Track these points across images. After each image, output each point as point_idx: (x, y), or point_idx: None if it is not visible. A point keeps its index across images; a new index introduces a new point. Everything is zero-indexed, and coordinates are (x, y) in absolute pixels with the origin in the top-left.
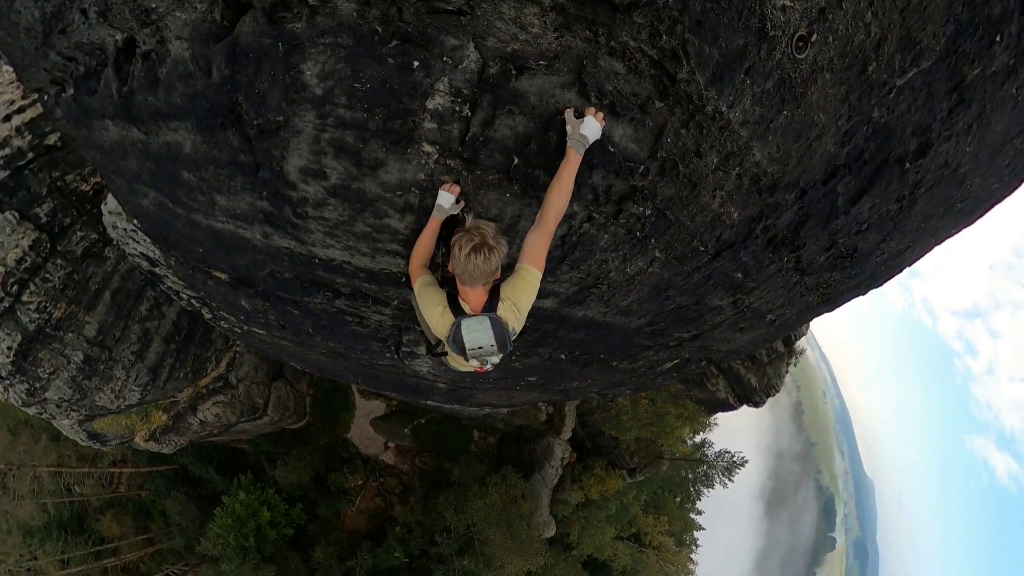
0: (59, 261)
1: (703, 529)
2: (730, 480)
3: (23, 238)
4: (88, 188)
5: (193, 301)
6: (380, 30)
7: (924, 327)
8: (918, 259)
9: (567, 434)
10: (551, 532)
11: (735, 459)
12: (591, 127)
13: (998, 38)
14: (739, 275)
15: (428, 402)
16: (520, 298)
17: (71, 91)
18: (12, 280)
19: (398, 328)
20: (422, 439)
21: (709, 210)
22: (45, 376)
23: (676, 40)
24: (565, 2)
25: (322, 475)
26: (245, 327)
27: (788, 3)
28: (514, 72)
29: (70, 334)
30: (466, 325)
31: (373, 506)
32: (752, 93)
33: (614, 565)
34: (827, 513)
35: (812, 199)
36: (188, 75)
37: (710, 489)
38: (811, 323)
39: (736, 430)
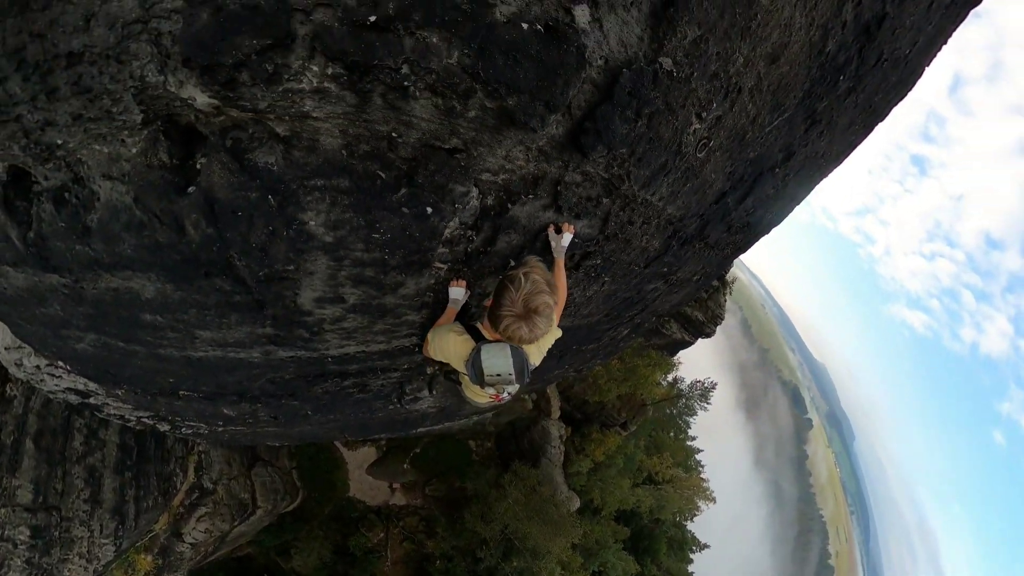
0: None
1: (702, 451)
2: (707, 404)
3: None
4: None
5: (145, 420)
6: (384, 177)
7: (827, 230)
8: (802, 199)
9: (556, 413)
10: (576, 504)
11: (706, 385)
12: (567, 239)
13: (841, 77)
14: (664, 269)
15: (418, 430)
16: (546, 337)
17: None
18: None
19: (402, 382)
20: (424, 467)
21: (639, 248)
22: None
23: (623, 170)
24: (546, 147)
25: (341, 544)
26: (219, 429)
27: (697, 126)
28: (508, 203)
29: (2, 509)
30: (486, 351)
31: (405, 552)
32: (668, 183)
33: (641, 509)
34: (796, 401)
35: (709, 214)
36: (140, 226)
37: (694, 417)
38: None
39: (699, 361)
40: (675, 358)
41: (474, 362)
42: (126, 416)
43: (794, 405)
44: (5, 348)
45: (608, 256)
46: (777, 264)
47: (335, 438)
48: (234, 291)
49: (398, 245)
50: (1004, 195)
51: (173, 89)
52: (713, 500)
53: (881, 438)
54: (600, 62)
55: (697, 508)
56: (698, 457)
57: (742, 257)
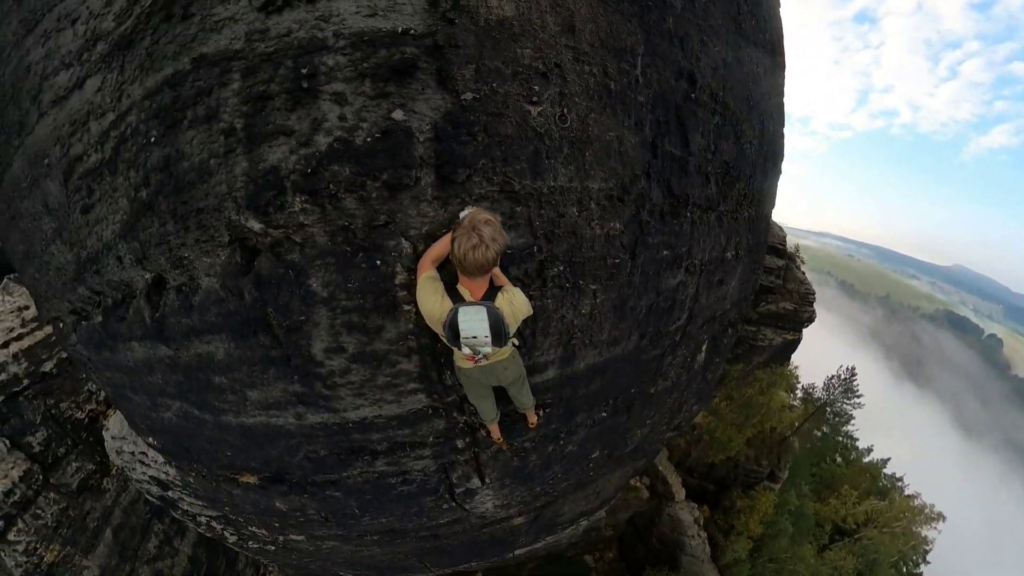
0: (52, 495)
1: (888, 459)
2: (858, 397)
3: (13, 468)
4: (83, 416)
5: (214, 523)
6: (348, 249)
7: (848, 141)
8: (782, 120)
9: (681, 492)
10: None
11: (843, 376)
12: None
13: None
14: (666, 252)
15: (516, 551)
16: (517, 297)
17: (98, 319)
18: None
19: (444, 470)
20: None
21: (597, 236)
22: None
23: (500, 175)
24: (436, 193)
25: None
26: (280, 537)
27: (540, 108)
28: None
29: None
30: (463, 312)
31: None
32: (559, 163)
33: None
34: (960, 325)
35: (655, 170)
36: (221, 299)
37: (853, 423)
38: (780, 223)
39: (820, 355)
40: (791, 367)
41: (451, 323)
42: (197, 516)
43: (960, 331)
44: (112, 437)
45: (568, 258)
46: (832, 206)
47: (418, 571)
48: (270, 346)
49: (367, 291)
50: None
51: (242, 220)
52: (941, 517)
53: None
54: (427, 126)
55: (925, 541)
56: (889, 471)
57: (793, 220)
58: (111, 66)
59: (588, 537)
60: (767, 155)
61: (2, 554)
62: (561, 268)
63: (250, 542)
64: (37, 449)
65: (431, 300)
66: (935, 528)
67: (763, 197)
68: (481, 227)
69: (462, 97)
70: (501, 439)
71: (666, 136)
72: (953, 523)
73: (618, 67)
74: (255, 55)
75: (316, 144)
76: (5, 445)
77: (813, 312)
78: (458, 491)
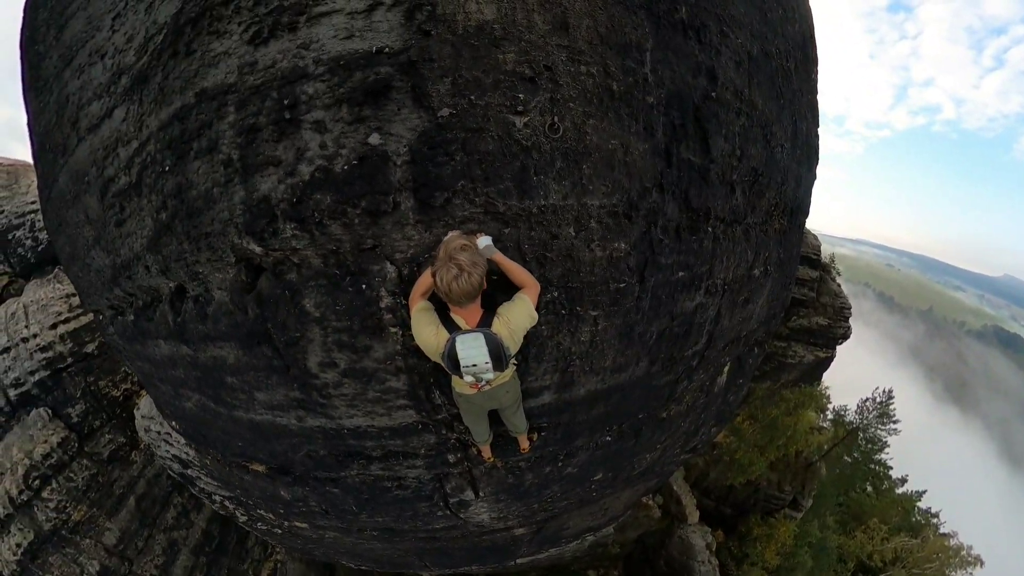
0: (85, 461)
1: (924, 492)
2: (894, 422)
3: (52, 435)
4: (119, 394)
5: (227, 503)
6: (338, 272)
7: (889, 141)
8: (816, 120)
9: (695, 515)
10: None
11: (878, 399)
12: (483, 242)
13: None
14: (682, 273)
15: (518, 561)
16: (513, 315)
17: (131, 317)
18: (35, 475)
19: (438, 479)
20: None
21: (598, 259)
22: None
23: (482, 196)
24: (419, 217)
25: None
26: (285, 523)
27: (525, 119)
28: (416, 268)
29: (87, 540)
30: (460, 341)
31: None
32: (551, 178)
33: None
34: (1011, 344)
35: (670, 180)
36: (230, 312)
37: (887, 450)
38: (814, 231)
39: (856, 375)
40: (822, 386)
41: (449, 353)
42: (213, 495)
43: (1011, 350)
44: (142, 416)
45: (563, 284)
46: (869, 211)
47: (418, 568)
48: (272, 356)
49: (354, 313)
50: None
51: (244, 244)
52: (979, 562)
53: None
54: (404, 148)
55: None
56: (924, 505)
57: (823, 227)
58: (132, 98)
59: (594, 552)
60: (800, 159)
61: (35, 509)
62: (555, 294)
63: (258, 524)
64: (75, 420)
65: (426, 332)
66: (971, 573)
67: (797, 206)
68: (458, 255)
69: (438, 114)
70: (492, 458)
71: (683, 141)
72: (992, 569)
73: (622, 65)
74: (246, 88)
75: (300, 174)
76: (48, 414)
77: (848, 328)
78: (452, 501)
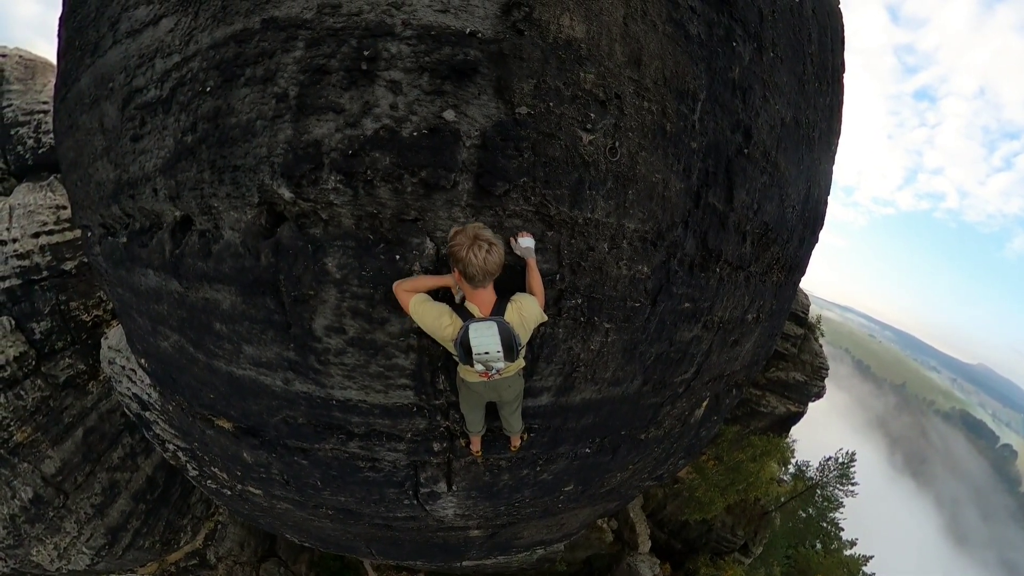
0: (39, 382)
1: (871, 558)
2: (852, 485)
3: (11, 347)
4: (89, 319)
5: (180, 454)
6: (371, 237)
7: (891, 218)
8: (828, 188)
9: (646, 545)
10: None
11: (840, 460)
12: (526, 241)
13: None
14: (687, 304)
15: (464, 562)
16: (526, 305)
17: (123, 239)
18: None
19: (414, 467)
20: None
21: (622, 277)
22: None
23: (538, 196)
24: (471, 200)
25: None
26: (239, 486)
27: (591, 137)
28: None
29: (25, 464)
30: (474, 329)
31: None
32: (600, 196)
33: None
34: (974, 428)
35: (695, 220)
36: (238, 255)
37: (842, 510)
38: (805, 290)
39: (822, 433)
40: (789, 439)
41: (462, 341)
42: (167, 443)
43: (974, 437)
44: (109, 347)
45: (588, 293)
46: (861, 282)
47: (363, 554)
48: (275, 311)
49: (380, 282)
50: (1013, 44)
51: (274, 186)
52: None
53: None
54: (476, 132)
55: None
56: (869, 569)
57: (818, 290)
58: (187, 10)
59: (540, 567)
60: (807, 222)
61: None
62: (579, 301)
63: (209, 481)
64: (38, 336)
65: (433, 317)
66: None
67: (796, 263)
68: (482, 233)
69: (516, 110)
70: (479, 452)
71: (712, 188)
72: None
73: (677, 109)
74: (323, 28)
75: (363, 127)
76: (10, 324)
77: (823, 387)
78: (423, 491)
